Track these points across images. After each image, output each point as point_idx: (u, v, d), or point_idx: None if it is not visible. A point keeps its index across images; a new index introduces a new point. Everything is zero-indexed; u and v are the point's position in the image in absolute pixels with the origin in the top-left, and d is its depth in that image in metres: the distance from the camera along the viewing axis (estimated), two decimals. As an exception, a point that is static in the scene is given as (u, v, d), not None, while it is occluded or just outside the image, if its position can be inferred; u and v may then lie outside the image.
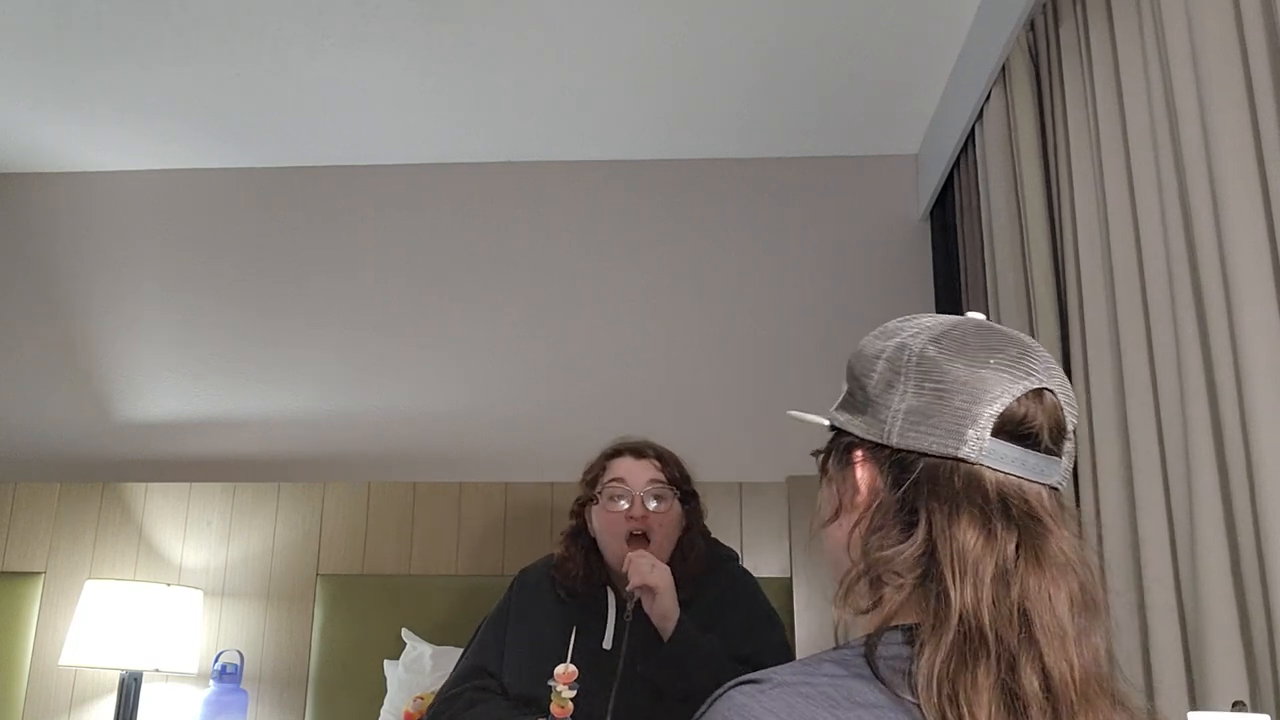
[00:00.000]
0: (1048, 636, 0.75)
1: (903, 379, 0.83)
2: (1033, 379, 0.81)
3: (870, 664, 0.75)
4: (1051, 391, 0.82)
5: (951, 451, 0.80)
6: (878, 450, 0.84)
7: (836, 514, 0.87)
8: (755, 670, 0.77)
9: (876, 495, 0.83)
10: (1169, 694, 1.55)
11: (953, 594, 0.75)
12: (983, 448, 0.79)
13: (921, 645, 0.74)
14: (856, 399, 0.87)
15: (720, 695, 0.76)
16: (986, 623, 0.74)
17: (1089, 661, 0.76)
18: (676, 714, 1.70)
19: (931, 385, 0.81)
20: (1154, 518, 1.65)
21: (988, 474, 0.80)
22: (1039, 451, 0.81)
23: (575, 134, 3.10)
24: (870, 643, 0.77)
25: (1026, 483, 0.80)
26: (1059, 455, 0.83)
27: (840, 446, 0.88)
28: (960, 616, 0.74)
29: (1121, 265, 1.80)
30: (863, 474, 0.85)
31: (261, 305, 3.19)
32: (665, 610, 1.74)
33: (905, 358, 0.84)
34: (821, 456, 0.91)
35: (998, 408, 0.80)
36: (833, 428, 0.90)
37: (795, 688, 0.73)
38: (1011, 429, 0.80)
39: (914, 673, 0.73)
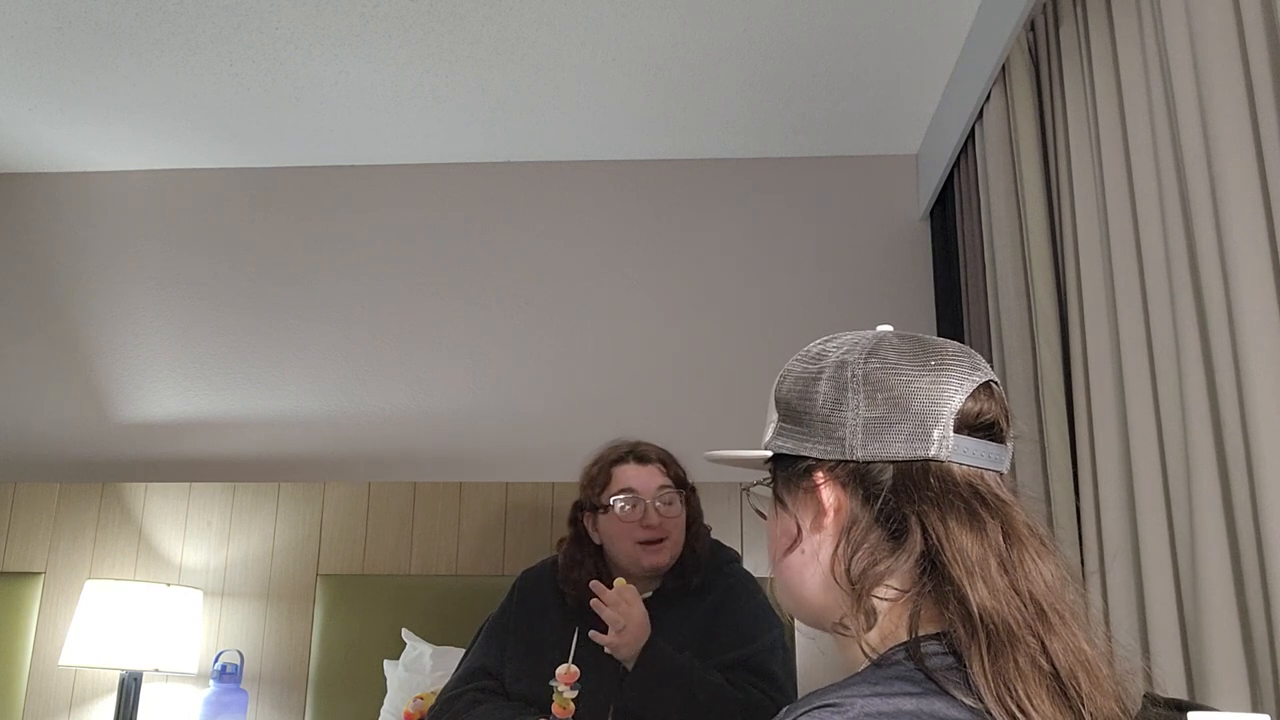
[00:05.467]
0: (1056, 613, 0.77)
1: (851, 394, 0.83)
2: (978, 374, 0.84)
3: (935, 680, 0.74)
4: (996, 383, 0.85)
5: (921, 453, 0.80)
6: (839, 467, 0.83)
7: (795, 542, 0.86)
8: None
9: (847, 513, 0.83)
10: (1169, 693, 1.55)
11: (969, 595, 0.75)
12: (949, 444, 0.81)
13: (965, 653, 0.74)
14: (799, 424, 0.86)
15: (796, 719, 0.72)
16: (1007, 615, 0.75)
17: (1097, 625, 0.79)
18: (677, 717, 1.71)
19: (884, 395, 0.82)
20: (1154, 518, 1.65)
21: (956, 469, 0.81)
22: (997, 441, 0.84)
23: (575, 134, 3.10)
24: (916, 657, 0.75)
25: (986, 472, 0.83)
26: (1009, 442, 0.86)
27: (795, 472, 0.86)
28: (981, 616, 0.75)
29: (1121, 265, 1.80)
30: (828, 494, 0.83)
31: (261, 305, 3.19)
32: (630, 654, 1.73)
33: (849, 374, 0.83)
34: (772, 488, 0.90)
35: (955, 404, 0.81)
36: (774, 458, 0.89)
37: (878, 717, 0.70)
38: (971, 423, 0.82)
39: (973, 681, 0.73)
